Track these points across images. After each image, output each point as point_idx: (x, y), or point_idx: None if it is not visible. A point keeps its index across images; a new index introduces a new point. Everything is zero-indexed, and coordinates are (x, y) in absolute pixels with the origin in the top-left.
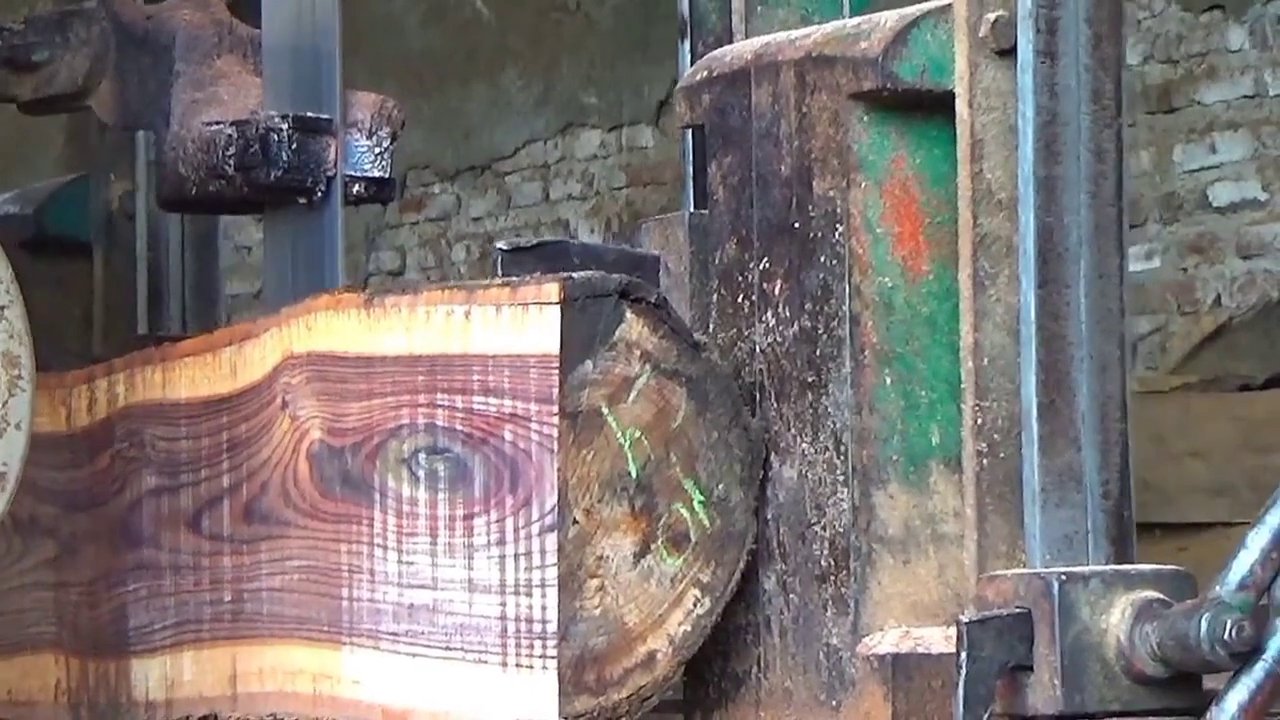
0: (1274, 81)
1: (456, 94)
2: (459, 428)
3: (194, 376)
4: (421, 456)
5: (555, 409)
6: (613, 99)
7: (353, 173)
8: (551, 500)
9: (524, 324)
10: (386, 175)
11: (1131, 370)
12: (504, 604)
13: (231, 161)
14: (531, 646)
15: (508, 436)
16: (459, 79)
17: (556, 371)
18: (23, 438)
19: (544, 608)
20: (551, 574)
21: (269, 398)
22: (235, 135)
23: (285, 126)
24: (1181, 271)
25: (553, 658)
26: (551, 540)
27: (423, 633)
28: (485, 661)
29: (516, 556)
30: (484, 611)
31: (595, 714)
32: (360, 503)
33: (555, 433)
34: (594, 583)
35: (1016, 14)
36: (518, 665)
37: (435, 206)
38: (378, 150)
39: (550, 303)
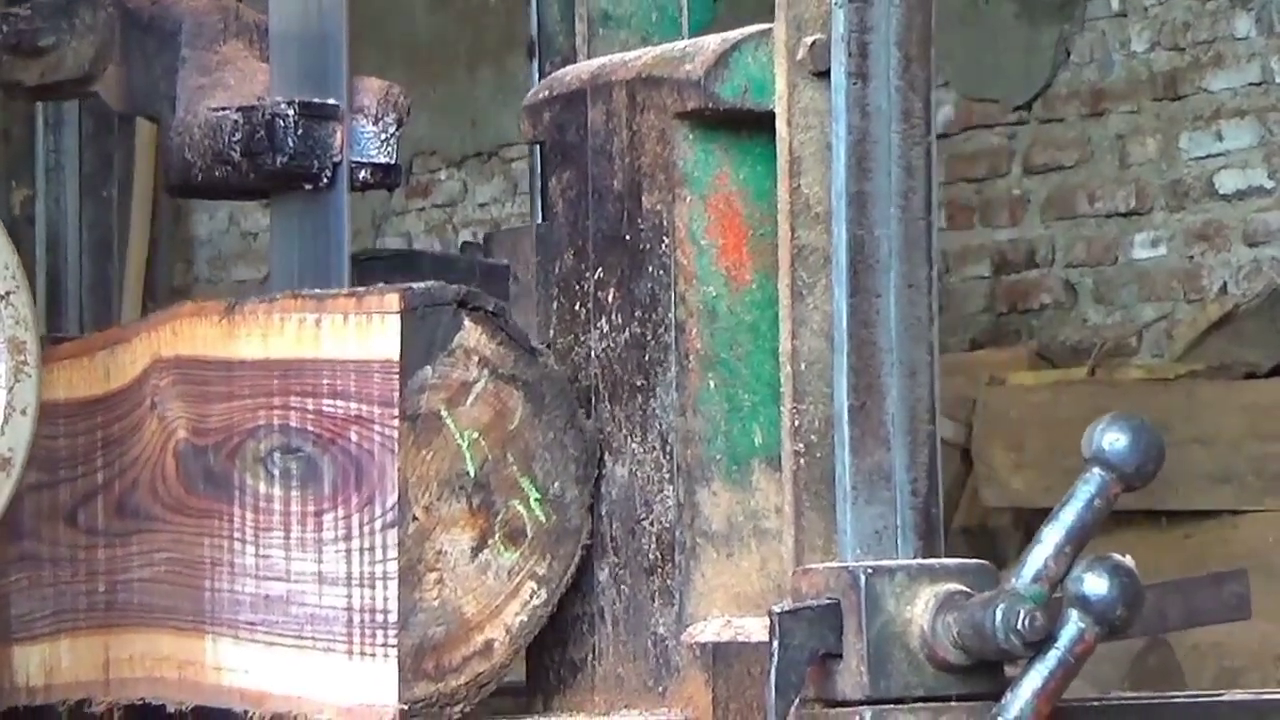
0: None
1: (463, 80)
2: (310, 429)
3: (71, 379)
4: (276, 456)
5: (396, 412)
6: None
7: (359, 159)
8: (392, 499)
9: (368, 332)
10: (393, 161)
11: (1137, 357)
12: (349, 596)
13: (237, 147)
14: (374, 636)
15: (353, 438)
16: (466, 65)
17: (397, 377)
18: (29, 423)
19: (385, 599)
20: (393, 568)
21: (139, 399)
22: (241, 121)
23: (291, 112)
24: (1188, 259)
25: (394, 646)
26: (392, 536)
27: (278, 622)
28: (333, 650)
29: (361, 551)
30: (332, 603)
31: (434, 700)
32: (221, 499)
33: (396, 435)
34: (433, 575)
35: (831, 37)
36: (362, 654)
37: (442, 192)
38: (384, 136)
39: (391, 312)
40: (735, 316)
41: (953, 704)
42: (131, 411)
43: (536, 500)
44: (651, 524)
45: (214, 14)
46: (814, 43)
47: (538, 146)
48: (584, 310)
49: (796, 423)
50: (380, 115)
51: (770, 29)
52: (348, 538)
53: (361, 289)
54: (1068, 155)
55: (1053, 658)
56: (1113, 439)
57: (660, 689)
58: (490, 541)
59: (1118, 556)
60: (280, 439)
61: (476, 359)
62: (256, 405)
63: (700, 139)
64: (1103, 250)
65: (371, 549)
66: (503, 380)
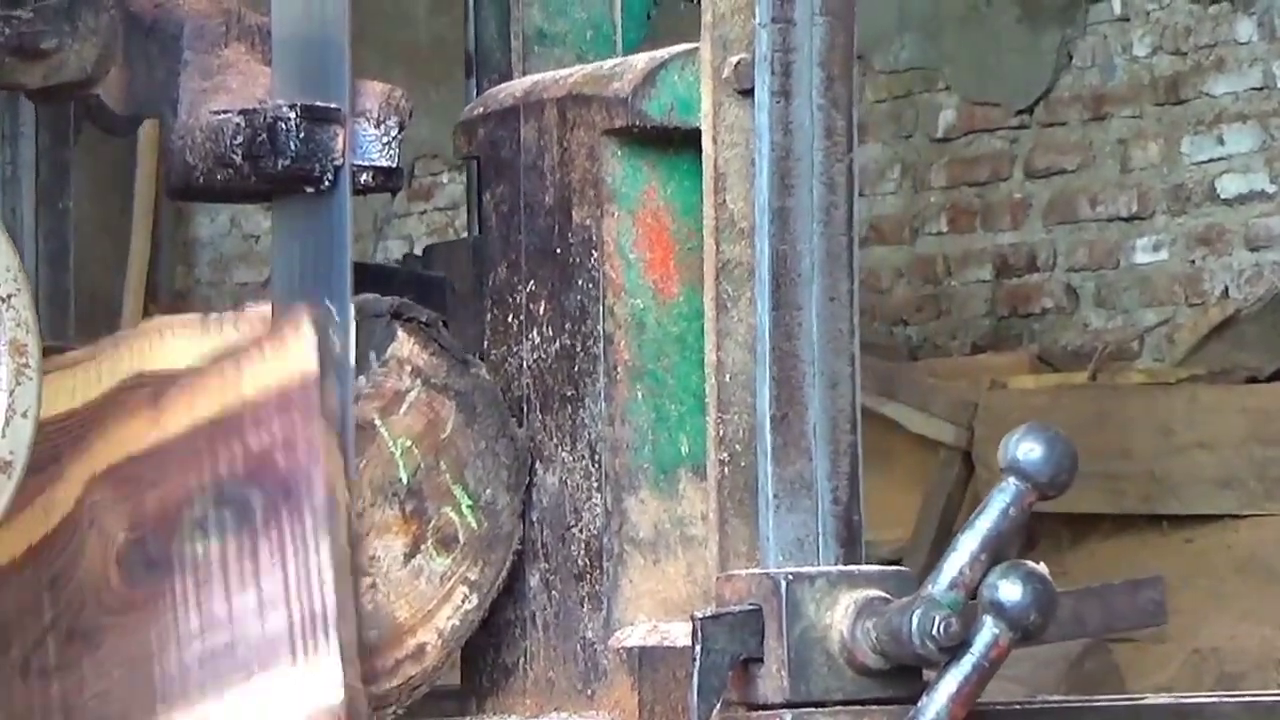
0: None
1: (465, 83)
2: (240, 470)
3: (13, 538)
4: (210, 513)
5: (316, 421)
6: None
7: (361, 162)
8: (320, 496)
9: (285, 356)
10: (394, 164)
11: (1139, 361)
12: (290, 610)
13: (239, 150)
14: (315, 632)
15: (280, 462)
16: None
17: (316, 385)
18: (29, 426)
19: (323, 597)
20: (327, 565)
21: (78, 523)
22: (243, 124)
23: (293, 116)
24: (1189, 263)
25: (335, 640)
26: (323, 535)
27: (224, 670)
28: (279, 665)
29: (296, 560)
30: (275, 625)
31: (367, 702)
32: (163, 581)
33: (319, 444)
34: (366, 580)
35: (755, 57)
36: (305, 656)
37: (443, 195)
38: (386, 139)
39: (305, 330)
40: (663, 329)
41: (872, 708)
42: (72, 539)
43: (468, 507)
44: (581, 531)
45: (216, 17)
46: (739, 62)
47: (473, 162)
48: (516, 322)
49: (721, 432)
50: (382, 118)
51: (697, 48)
52: (283, 555)
53: (277, 319)
54: (1069, 159)
55: (968, 663)
56: (1027, 449)
57: (589, 692)
58: (423, 547)
59: (1031, 564)
60: (213, 494)
61: (410, 369)
62: (188, 475)
63: (628, 155)
64: (1104, 254)
65: (306, 556)
66: (435, 390)
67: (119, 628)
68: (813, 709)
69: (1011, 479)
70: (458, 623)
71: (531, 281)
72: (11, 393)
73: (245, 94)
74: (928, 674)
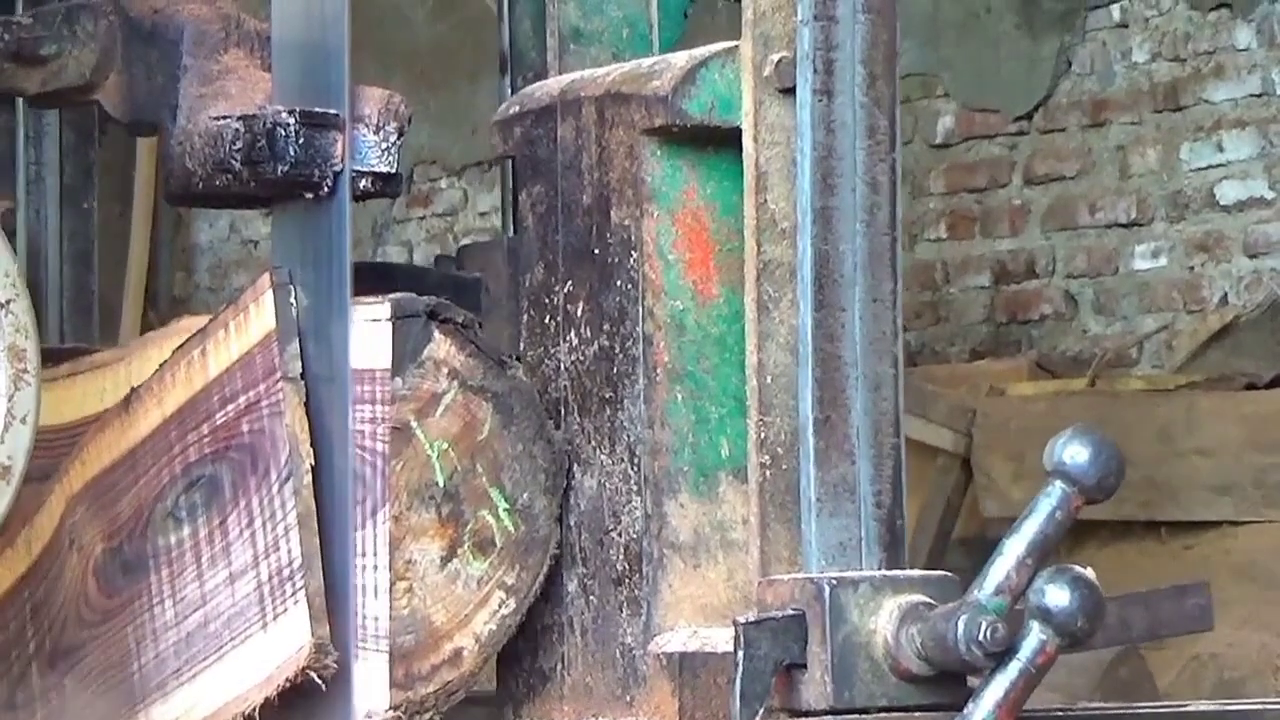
0: None
1: (464, 89)
2: (207, 450)
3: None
4: (181, 499)
5: (278, 376)
6: None
7: (360, 167)
8: (284, 455)
9: (247, 326)
10: (394, 170)
11: (1137, 368)
12: (258, 572)
13: (238, 156)
14: (283, 589)
15: (245, 428)
16: (467, 74)
17: (275, 344)
18: (28, 432)
19: (289, 551)
20: (293, 518)
21: (59, 548)
22: (242, 130)
23: (292, 121)
24: (1188, 270)
25: (301, 589)
26: (288, 489)
27: (198, 651)
28: (250, 635)
29: (264, 524)
30: (244, 592)
31: (403, 707)
32: (139, 579)
33: (281, 398)
34: (402, 584)
35: (797, 55)
36: (275, 616)
37: (442, 201)
38: (385, 145)
39: (264, 294)
40: (702, 330)
41: (916, 715)
42: (53, 564)
43: (505, 510)
44: (619, 535)
45: (215, 23)
46: (780, 60)
47: (509, 161)
48: (553, 323)
49: (762, 435)
50: (381, 124)
51: (737, 46)
52: (250, 522)
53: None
54: (1068, 165)
55: (1014, 669)
56: (1074, 452)
57: (628, 698)
58: (459, 551)
59: (1079, 569)
60: (183, 481)
61: (446, 370)
62: (160, 470)
63: (668, 154)
64: (1103, 261)
65: (273, 514)
66: (472, 391)
67: (98, 639)
68: (856, 715)
69: (1057, 482)
70: (495, 627)
71: (569, 282)
72: (10, 398)
73: (245, 100)
74: (971, 680)
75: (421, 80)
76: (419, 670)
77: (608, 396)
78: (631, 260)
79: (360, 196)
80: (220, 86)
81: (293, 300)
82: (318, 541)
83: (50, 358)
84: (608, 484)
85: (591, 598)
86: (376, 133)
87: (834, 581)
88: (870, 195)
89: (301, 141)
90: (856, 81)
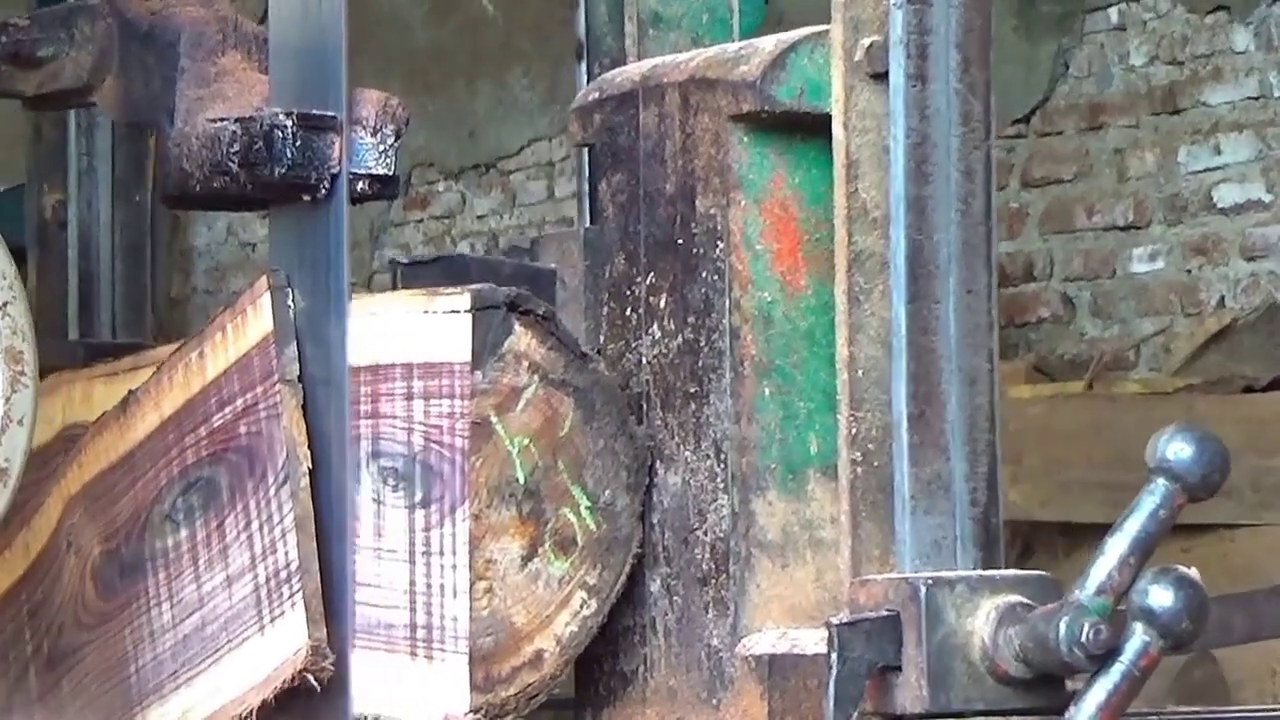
0: (1279, 83)
1: (462, 91)
2: (205, 453)
3: None
4: (179, 502)
5: (276, 379)
6: None
7: (357, 170)
8: (281, 458)
9: (244, 327)
10: (391, 173)
11: (1135, 371)
12: (256, 574)
13: (236, 158)
14: (282, 592)
15: (243, 430)
16: (464, 76)
17: (273, 346)
18: (25, 433)
19: (287, 553)
20: (290, 520)
21: (56, 551)
22: (240, 132)
23: (290, 123)
24: (1186, 273)
25: (299, 592)
26: (286, 492)
27: (195, 654)
28: (247, 638)
29: (261, 526)
30: (241, 594)
31: (484, 710)
32: (137, 581)
33: (279, 401)
34: (482, 584)
35: (889, 39)
36: (273, 620)
37: (440, 204)
38: (382, 148)
39: (261, 296)
40: (790, 323)
41: (1014, 718)
42: (51, 566)
43: (587, 508)
44: (705, 533)
45: (213, 25)
46: (871, 44)
47: (586, 149)
48: (635, 316)
49: (854, 431)
50: (379, 127)
51: (827, 30)
52: (248, 525)
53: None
54: (1066, 168)
55: (1117, 671)
56: (1177, 449)
57: (714, 701)
58: (540, 550)
59: (1183, 569)
60: (181, 483)
61: (527, 364)
62: (157, 472)
63: (755, 142)
64: (1100, 264)
65: (270, 517)
66: (553, 386)
67: (96, 641)
68: (953, 719)
69: (1160, 479)
70: (576, 629)
71: (652, 274)
72: (7, 399)
73: (242, 102)
74: (1070, 684)
75: (419, 83)
76: (499, 673)
77: (692, 391)
78: (717, 251)
79: (358, 199)
80: (217, 89)
81: (290, 303)
82: (315, 544)
83: (107, 352)
84: (693, 481)
85: (675, 598)
86: (374, 135)
87: (930, 581)
88: (965, 184)
89: (299, 144)
90: (950, 67)
